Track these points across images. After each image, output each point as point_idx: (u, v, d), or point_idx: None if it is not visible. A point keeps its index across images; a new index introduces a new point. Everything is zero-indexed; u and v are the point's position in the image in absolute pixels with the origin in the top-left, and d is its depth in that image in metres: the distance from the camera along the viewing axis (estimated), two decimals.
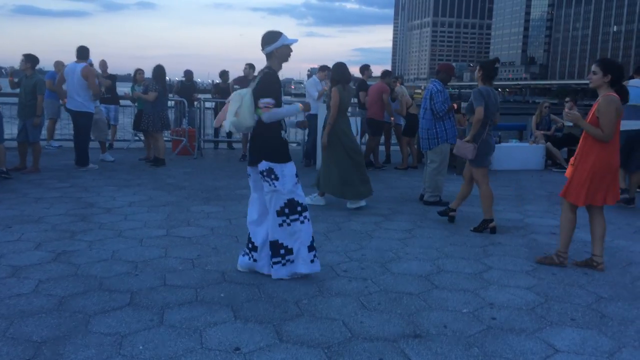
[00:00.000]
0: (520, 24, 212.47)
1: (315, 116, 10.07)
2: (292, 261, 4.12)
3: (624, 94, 4.54)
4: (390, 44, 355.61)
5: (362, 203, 6.80)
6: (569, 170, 4.78)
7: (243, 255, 4.32)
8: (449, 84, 7.27)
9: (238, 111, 3.97)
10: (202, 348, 3.09)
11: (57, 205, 6.44)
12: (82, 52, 8.93)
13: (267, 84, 4.04)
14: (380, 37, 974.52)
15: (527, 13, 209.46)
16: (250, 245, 4.26)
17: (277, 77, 4.15)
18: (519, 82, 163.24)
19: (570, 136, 10.99)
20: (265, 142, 4.07)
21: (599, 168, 4.48)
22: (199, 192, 7.51)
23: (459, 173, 9.74)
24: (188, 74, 13.10)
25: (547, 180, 9.43)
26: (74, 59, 8.98)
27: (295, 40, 4.13)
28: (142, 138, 11.15)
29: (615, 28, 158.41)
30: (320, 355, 3.05)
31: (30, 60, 8.46)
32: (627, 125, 7.40)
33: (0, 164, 7.81)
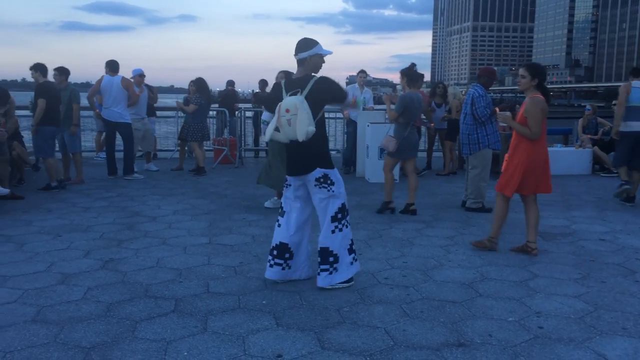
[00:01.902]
0: (564, 26, 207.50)
1: (354, 123, 10.09)
2: (337, 269, 4.11)
3: (547, 95, 5.03)
4: (429, 50, 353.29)
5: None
6: (504, 165, 5.19)
7: (272, 267, 4.21)
8: (490, 88, 7.18)
9: (292, 121, 3.89)
10: (245, 355, 3.11)
11: (105, 214, 6.63)
12: (115, 65, 9.17)
13: (335, 84, 4.12)
14: (419, 43, 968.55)
15: (571, 15, 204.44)
16: (287, 255, 4.20)
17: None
18: (564, 85, 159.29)
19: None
20: (318, 149, 4.07)
21: (530, 163, 4.94)
22: (240, 200, 7.60)
23: None
24: (230, 83, 13.32)
25: (595, 186, 9.15)
26: (121, 73, 9.26)
27: (330, 52, 4.14)
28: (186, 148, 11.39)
29: None
30: None
31: (64, 72, 8.72)
32: (634, 126, 7.35)
33: (51, 178, 8.07)
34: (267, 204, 7.16)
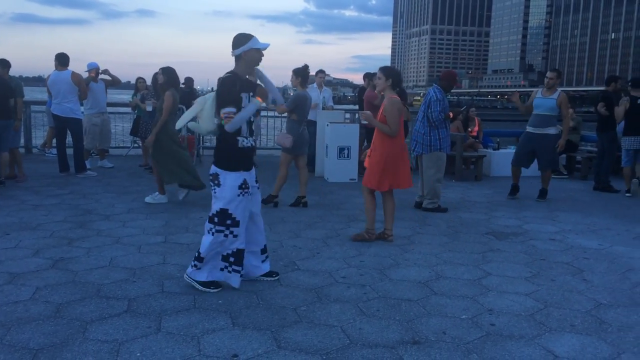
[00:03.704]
0: (519, 32, 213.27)
1: (314, 123, 10.09)
2: (199, 268, 4.05)
3: (404, 96, 5.46)
4: (389, 51, 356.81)
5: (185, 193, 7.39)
6: (366, 161, 5.56)
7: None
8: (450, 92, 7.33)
9: (199, 114, 4.05)
10: (200, 355, 3.07)
11: (56, 212, 6.43)
12: (64, 59, 8.87)
13: (226, 91, 3.90)
14: (379, 45, 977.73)
15: (525, 21, 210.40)
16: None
17: (235, 81, 3.94)
18: (518, 90, 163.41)
19: (569, 143, 10.98)
20: (220, 148, 4.04)
21: (391, 157, 5.34)
22: (197, 198, 7.49)
23: (458, 179, 9.75)
24: (188, 81, 13.11)
25: None
26: (75, 67, 9.01)
27: (266, 45, 3.99)
28: (140, 144, 11.14)
29: (613, 35, 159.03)
30: None
31: (6, 65, 8.41)
32: (534, 129, 8.00)
33: (1, 174, 7.77)
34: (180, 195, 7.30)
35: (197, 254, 4.06)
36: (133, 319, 3.52)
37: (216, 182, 3.98)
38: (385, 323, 3.57)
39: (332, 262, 4.84)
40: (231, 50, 4.01)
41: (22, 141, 8.97)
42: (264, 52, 4.03)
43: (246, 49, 3.96)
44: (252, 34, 3.99)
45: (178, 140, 7.28)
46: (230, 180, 3.95)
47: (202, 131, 4.21)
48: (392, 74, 5.40)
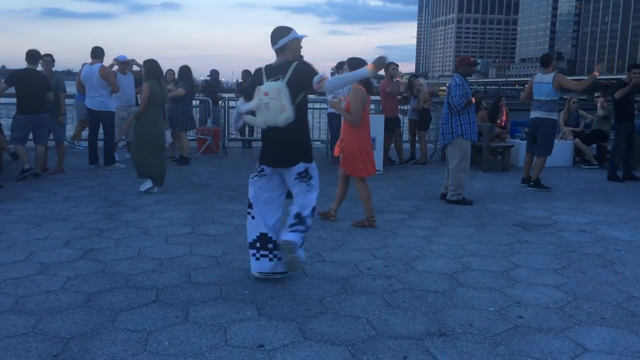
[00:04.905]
0: (548, 19, 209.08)
1: (338, 115, 10.06)
2: (257, 258, 4.12)
3: (369, 86, 5.67)
4: (414, 41, 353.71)
5: (150, 185, 7.35)
6: (337, 151, 5.83)
7: (259, 259, 4.09)
8: (477, 80, 7.28)
9: (272, 106, 3.84)
10: (227, 345, 3.10)
11: (85, 203, 6.55)
12: (95, 52, 9.04)
13: (311, 68, 3.98)
14: (404, 34, 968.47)
15: (555, 8, 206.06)
16: (271, 245, 4.07)
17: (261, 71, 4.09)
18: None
19: (600, 132, 10.77)
20: (302, 142, 4.03)
21: (361, 144, 5.57)
22: (223, 190, 7.55)
23: (485, 170, 9.62)
24: (214, 73, 13.19)
25: (576, 177, 9.25)
26: (104, 60, 9.13)
27: (305, 36, 4.12)
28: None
29: None
30: (344, 353, 3.04)
31: (54, 60, 8.64)
32: (531, 114, 8.16)
33: (24, 162, 7.95)
34: (142, 187, 7.32)
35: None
36: (161, 308, 3.57)
37: (309, 176, 4.06)
38: (411, 315, 3.56)
39: (357, 253, 4.84)
40: (272, 43, 4.02)
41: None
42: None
43: (291, 39, 4.03)
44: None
45: (162, 132, 7.35)
46: (315, 168, 4.14)
47: (261, 124, 3.97)
48: (354, 65, 5.46)
